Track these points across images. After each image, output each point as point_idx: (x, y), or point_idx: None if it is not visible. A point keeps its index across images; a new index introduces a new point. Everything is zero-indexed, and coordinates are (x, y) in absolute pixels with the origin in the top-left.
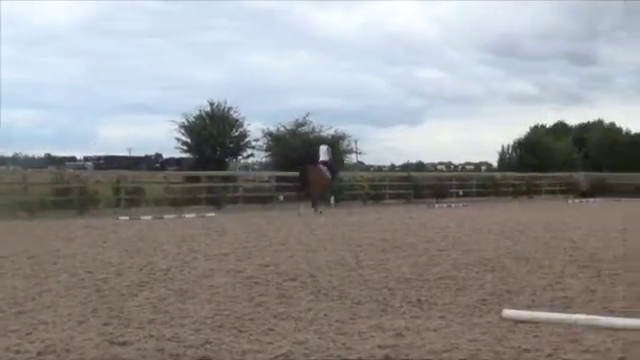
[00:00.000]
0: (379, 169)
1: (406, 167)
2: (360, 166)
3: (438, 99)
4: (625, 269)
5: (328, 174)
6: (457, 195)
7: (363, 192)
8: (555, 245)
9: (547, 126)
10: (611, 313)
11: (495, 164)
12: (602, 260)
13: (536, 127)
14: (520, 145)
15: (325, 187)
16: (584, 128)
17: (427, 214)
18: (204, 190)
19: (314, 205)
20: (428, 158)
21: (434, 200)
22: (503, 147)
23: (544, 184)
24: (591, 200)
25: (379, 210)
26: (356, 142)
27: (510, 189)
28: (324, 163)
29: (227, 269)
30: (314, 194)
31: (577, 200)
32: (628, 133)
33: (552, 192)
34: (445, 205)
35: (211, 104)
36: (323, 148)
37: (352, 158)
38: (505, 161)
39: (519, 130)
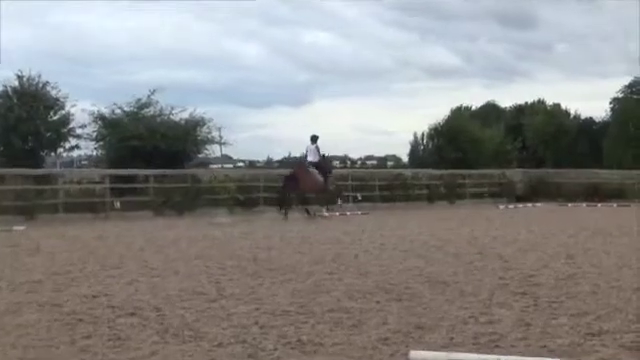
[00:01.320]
0: (251, 165)
1: (287, 162)
2: (226, 161)
3: (331, 72)
4: (569, 295)
5: (317, 176)
6: (355, 200)
7: (229, 196)
8: (481, 265)
9: (473, 108)
10: (551, 353)
11: (405, 158)
12: (540, 284)
13: (459, 109)
14: (438, 133)
15: (310, 190)
16: (520, 111)
17: (313, 225)
18: (10, 195)
19: (282, 207)
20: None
21: (324, 207)
22: (416, 136)
23: (469, 185)
24: (529, 205)
25: (250, 220)
26: (220, 129)
27: (424, 191)
28: (314, 165)
29: (40, 302)
30: (297, 196)
31: (511, 205)
32: (577, 117)
33: (479, 195)
34: (338, 213)
35: (19, 77)
36: (312, 147)
37: (214, 150)
38: (418, 154)
39: (437, 113)
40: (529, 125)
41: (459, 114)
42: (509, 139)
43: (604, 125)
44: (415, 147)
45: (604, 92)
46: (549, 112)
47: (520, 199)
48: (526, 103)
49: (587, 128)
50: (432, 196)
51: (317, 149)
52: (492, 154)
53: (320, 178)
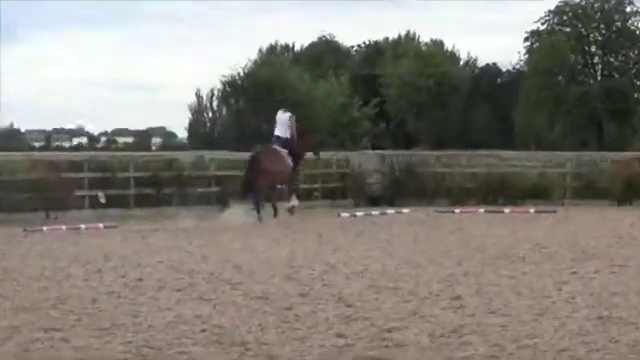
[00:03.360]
0: None
1: None
2: None
3: None
4: None
5: (287, 159)
6: (97, 203)
7: None
8: (307, 313)
9: (297, 48)
10: None
11: (182, 133)
12: (404, 346)
13: (272, 50)
14: (238, 91)
15: (280, 179)
16: (376, 53)
17: (56, 243)
18: None
19: (257, 205)
20: (27, 121)
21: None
22: (200, 95)
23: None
24: (390, 212)
25: None
26: None
27: (214, 189)
28: (282, 142)
29: None
30: (260, 189)
31: (360, 212)
32: (471, 64)
33: (307, 195)
34: (65, 227)
35: None
36: (283, 117)
37: None
38: (204, 126)
39: (235, 56)
40: (391, 77)
41: (273, 59)
42: (357, 100)
43: (515, 77)
44: (198, 114)
45: (515, 23)
46: (424, 55)
47: (376, 201)
48: (386, 40)
49: (488, 82)
50: (224, 197)
51: (290, 120)
52: (329, 124)
53: (287, 161)
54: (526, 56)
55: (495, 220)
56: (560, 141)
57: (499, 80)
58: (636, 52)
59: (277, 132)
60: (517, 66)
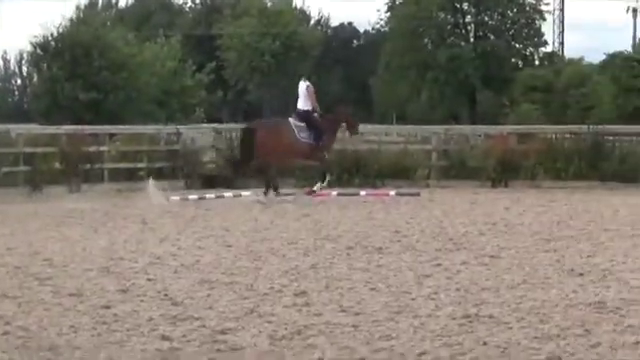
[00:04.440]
0: None
1: None
2: None
3: None
4: None
5: (298, 133)
6: None
7: None
8: None
9: (120, 5)
10: None
11: None
12: None
13: (92, 6)
14: (49, 53)
15: (288, 156)
16: (212, 13)
17: None
18: None
19: (267, 188)
20: None
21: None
22: (5, 59)
23: (110, 156)
24: (229, 195)
25: None
26: None
27: (22, 168)
28: (300, 115)
29: None
30: (266, 169)
31: (192, 196)
32: (323, 23)
33: (132, 175)
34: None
35: None
36: (302, 87)
37: None
38: (8, 96)
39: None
40: (230, 39)
41: (92, 16)
42: (190, 64)
43: (374, 39)
44: (5, 81)
45: None
46: (268, 13)
47: (211, 183)
48: None
49: (342, 45)
50: (42, 180)
51: (309, 90)
52: (157, 93)
53: (301, 138)
54: (387, 15)
55: (349, 204)
56: (426, 113)
57: (355, 42)
58: (514, 10)
59: (299, 105)
60: (376, 26)
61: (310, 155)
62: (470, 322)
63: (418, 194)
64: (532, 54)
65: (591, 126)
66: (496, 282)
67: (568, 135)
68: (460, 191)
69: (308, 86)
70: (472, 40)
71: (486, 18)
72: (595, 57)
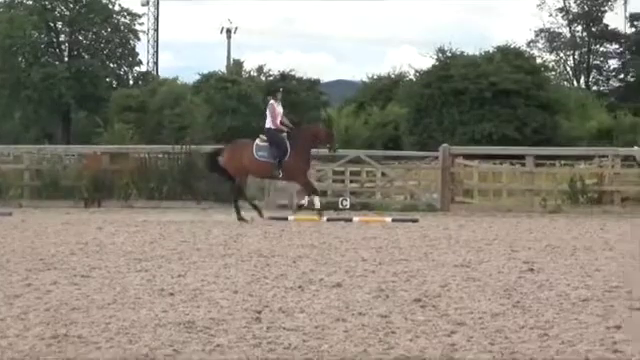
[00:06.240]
0: None
1: None
2: None
3: None
4: None
5: (256, 152)
6: None
7: None
8: None
9: None
10: None
11: None
12: None
13: None
14: None
15: (245, 174)
16: None
17: None
18: None
19: (236, 205)
20: None
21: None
22: None
23: None
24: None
25: None
26: None
27: None
28: (266, 133)
29: None
30: (237, 186)
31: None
32: None
33: None
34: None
35: None
36: (270, 104)
37: None
38: None
39: None
40: None
41: None
42: None
43: None
44: None
45: None
46: None
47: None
48: None
49: None
50: None
51: (272, 107)
52: None
53: (264, 159)
54: None
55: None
56: (20, 132)
57: None
58: (109, 30)
59: (267, 124)
60: None
61: (267, 173)
62: (59, 342)
63: (10, 214)
64: (127, 73)
65: (184, 146)
66: (86, 302)
67: (162, 155)
68: (53, 211)
69: (270, 104)
70: (66, 59)
71: (80, 37)
72: (190, 77)
